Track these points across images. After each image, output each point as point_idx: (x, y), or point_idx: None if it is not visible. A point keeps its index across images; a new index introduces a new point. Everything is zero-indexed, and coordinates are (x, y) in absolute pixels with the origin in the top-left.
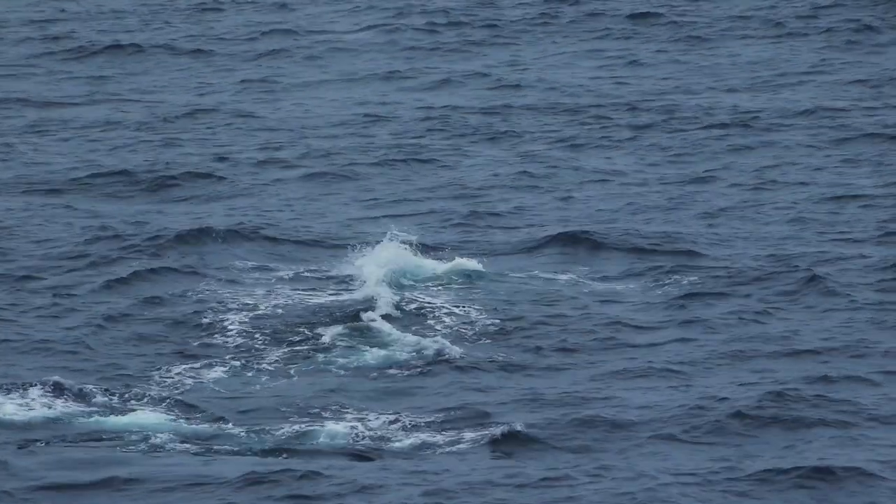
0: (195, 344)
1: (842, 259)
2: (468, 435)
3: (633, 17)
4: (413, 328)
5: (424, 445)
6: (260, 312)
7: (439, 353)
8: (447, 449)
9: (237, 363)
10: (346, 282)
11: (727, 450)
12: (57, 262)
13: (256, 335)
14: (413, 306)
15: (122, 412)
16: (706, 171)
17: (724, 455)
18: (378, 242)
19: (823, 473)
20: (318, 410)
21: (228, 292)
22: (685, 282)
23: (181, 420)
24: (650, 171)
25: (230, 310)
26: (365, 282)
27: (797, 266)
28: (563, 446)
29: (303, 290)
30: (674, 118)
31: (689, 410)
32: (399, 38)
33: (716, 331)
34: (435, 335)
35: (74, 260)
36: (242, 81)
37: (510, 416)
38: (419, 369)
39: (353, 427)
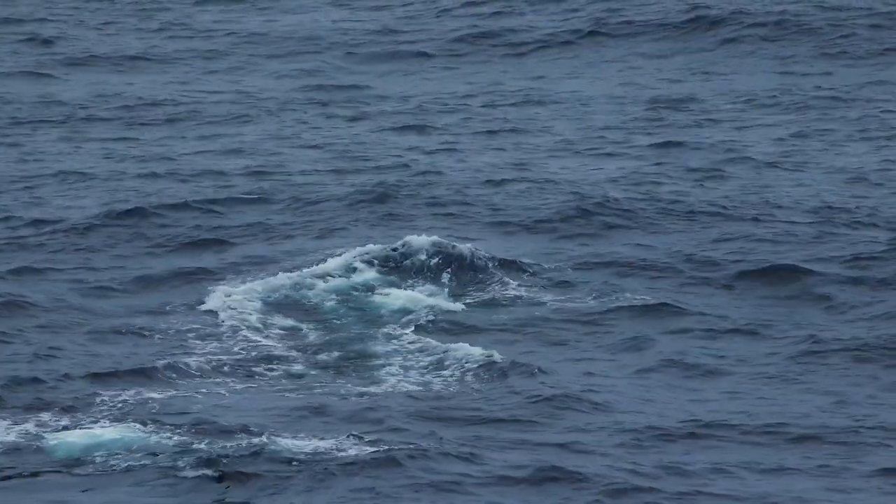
0: (154, 361)
1: None
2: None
3: None
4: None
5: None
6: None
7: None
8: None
9: (195, 382)
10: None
11: None
12: None
13: (213, 352)
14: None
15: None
16: None
17: None
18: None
19: None
20: (272, 428)
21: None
22: None
23: (137, 436)
24: None
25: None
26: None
27: None
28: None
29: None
30: None
31: None
32: None
33: None
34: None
35: None
36: None
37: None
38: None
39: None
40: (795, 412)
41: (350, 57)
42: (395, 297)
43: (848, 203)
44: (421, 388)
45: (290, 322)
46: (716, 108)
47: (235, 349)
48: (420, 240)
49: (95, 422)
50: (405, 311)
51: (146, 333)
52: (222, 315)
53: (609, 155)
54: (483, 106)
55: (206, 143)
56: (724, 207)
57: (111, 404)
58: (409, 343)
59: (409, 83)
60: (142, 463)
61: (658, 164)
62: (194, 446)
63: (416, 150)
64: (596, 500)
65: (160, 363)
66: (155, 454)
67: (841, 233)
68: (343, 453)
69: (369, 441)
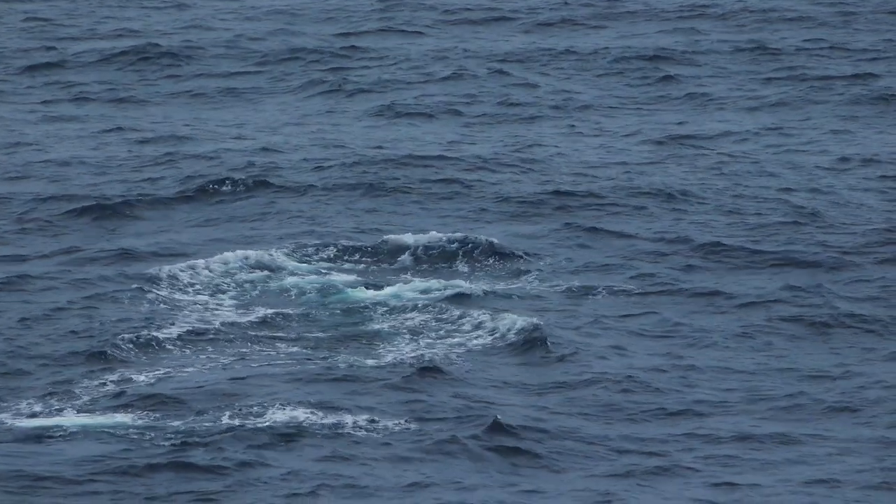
0: (132, 343)
1: None
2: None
3: None
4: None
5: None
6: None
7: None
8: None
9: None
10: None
11: None
12: None
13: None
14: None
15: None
16: None
17: None
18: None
19: None
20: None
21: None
22: None
23: (116, 415)
24: None
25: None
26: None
27: None
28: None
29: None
30: None
31: None
32: None
33: None
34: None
35: None
36: None
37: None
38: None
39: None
40: None
41: None
42: (379, 282)
43: None
44: (408, 360)
45: (268, 306)
46: None
47: (215, 325)
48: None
49: (67, 405)
50: (394, 295)
51: (118, 312)
52: (200, 291)
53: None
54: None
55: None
56: None
57: (84, 387)
58: (397, 321)
59: None
60: (113, 442)
61: None
62: (167, 422)
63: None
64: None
65: (133, 342)
66: (127, 432)
67: None
68: (323, 422)
69: (346, 410)
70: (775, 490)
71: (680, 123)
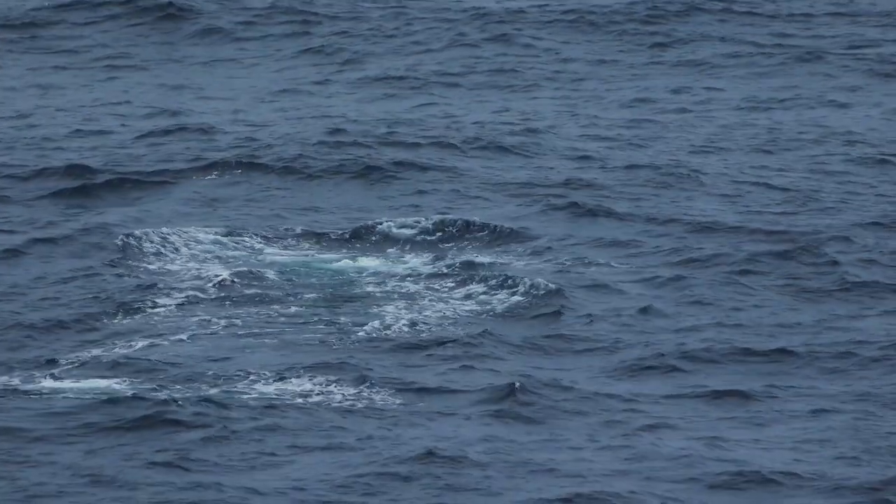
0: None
1: None
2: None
3: None
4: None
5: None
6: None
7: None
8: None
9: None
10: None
11: None
12: None
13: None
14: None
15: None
16: None
17: None
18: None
19: None
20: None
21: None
22: None
23: (96, 385)
24: None
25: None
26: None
27: None
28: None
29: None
30: None
31: None
32: None
33: None
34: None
35: None
36: None
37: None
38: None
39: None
40: None
41: None
42: (370, 259)
43: None
44: (392, 337)
45: (254, 278)
46: None
47: (206, 296)
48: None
49: (56, 374)
50: (383, 272)
51: (110, 285)
52: (191, 267)
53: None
54: None
55: None
56: None
57: (72, 356)
58: (388, 291)
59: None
60: (100, 410)
61: None
62: (151, 386)
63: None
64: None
65: (117, 312)
66: (114, 401)
67: None
68: (315, 396)
69: (335, 382)
70: (760, 445)
71: (675, 92)
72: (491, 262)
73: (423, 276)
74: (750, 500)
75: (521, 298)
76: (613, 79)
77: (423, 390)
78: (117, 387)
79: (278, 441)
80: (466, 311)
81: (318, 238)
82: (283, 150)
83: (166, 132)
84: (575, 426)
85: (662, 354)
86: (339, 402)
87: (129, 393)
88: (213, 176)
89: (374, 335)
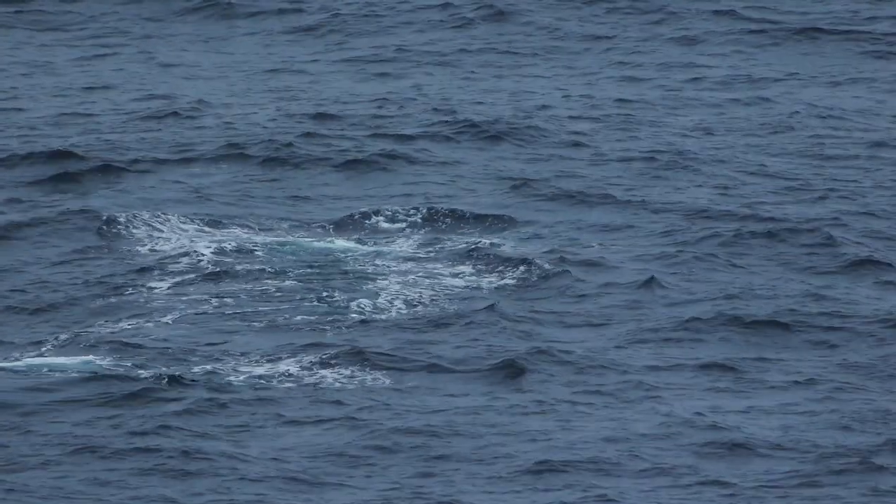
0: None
1: None
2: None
3: None
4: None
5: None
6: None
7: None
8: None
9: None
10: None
11: None
12: None
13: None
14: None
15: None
16: None
17: None
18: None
19: None
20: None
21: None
22: None
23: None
24: None
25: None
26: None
27: None
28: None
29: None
30: None
31: None
32: None
33: None
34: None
35: None
36: None
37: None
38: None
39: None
40: None
41: None
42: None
43: None
44: (380, 319)
45: (244, 263)
46: None
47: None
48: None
49: (43, 351)
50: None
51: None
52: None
53: None
54: None
55: None
56: None
57: (59, 335)
58: (380, 271)
59: None
60: (86, 386)
61: None
62: (139, 370)
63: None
64: None
65: (106, 294)
66: (100, 377)
67: None
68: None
69: (325, 360)
70: (749, 414)
71: (666, 69)
72: (481, 244)
73: (413, 258)
74: (738, 467)
75: (512, 276)
76: (607, 55)
77: (416, 365)
78: (103, 363)
79: (266, 413)
80: (458, 289)
81: (306, 224)
82: (272, 137)
83: (153, 116)
84: (567, 396)
85: (655, 328)
86: (330, 378)
87: (115, 370)
88: (200, 162)
89: (365, 315)
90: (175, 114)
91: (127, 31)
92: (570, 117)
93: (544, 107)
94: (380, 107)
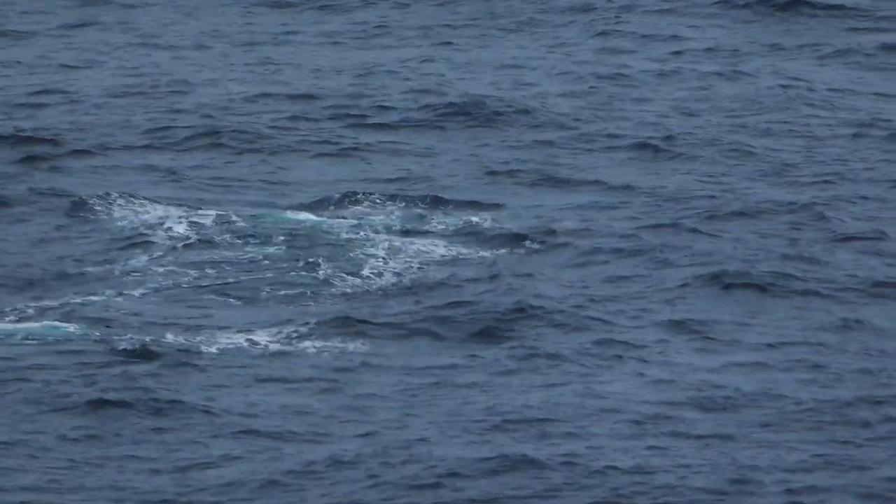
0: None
1: None
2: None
3: None
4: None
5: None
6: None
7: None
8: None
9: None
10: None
11: None
12: None
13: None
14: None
15: None
16: None
17: None
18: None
19: None
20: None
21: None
22: None
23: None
24: None
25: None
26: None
27: None
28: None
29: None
30: None
31: None
32: None
33: None
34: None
35: None
36: None
37: None
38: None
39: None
40: None
41: None
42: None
43: None
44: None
45: (224, 242)
46: None
47: (168, 260)
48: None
49: (16, 319)
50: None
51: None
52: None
53: None
54: None
55: None
56: None
57: (32, 305)
58: (360, 245)
59: None
60: (57, 352)
61: None
62: (113, 338)
63: None
64: None
65: (81, 270)
66: (71, 343)
67: None
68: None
69: (303, 330)
70: (726, 372)
71: (650, 41)
72: (465, 221)
73: (397, 232)
74: (714, 421)
75: (496, 248)
76: (591, 27)
77: (398, 331)
78: (75, 332)
79: (241, 373)
80: (442, 259)
81: (286, 204)
82: (251, 120)
83: (132, 94)
84: (548, 356)
85: (636, 292)
86: (309, 343)
87: (88, 337)
88: (176, 143)
89: (349, 284)
90: (151, 92)
91: (108, 1)
92: (555, 96)
93: (529, 85)
94: (360, 85)
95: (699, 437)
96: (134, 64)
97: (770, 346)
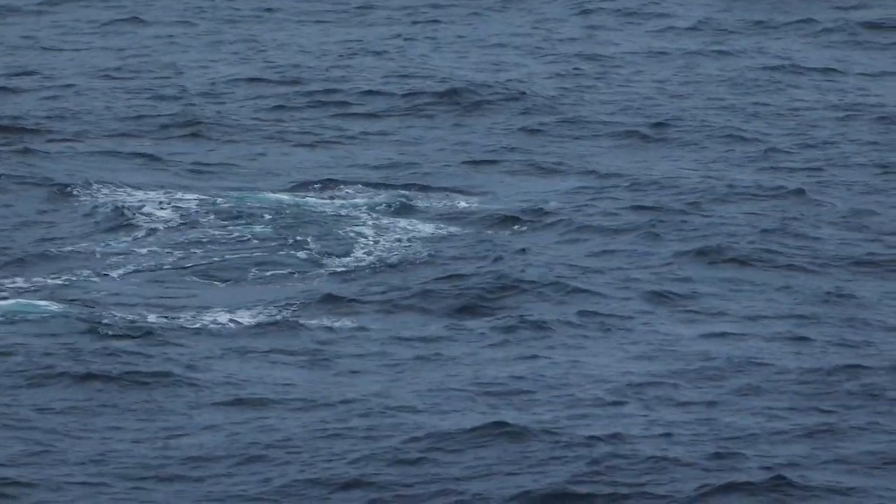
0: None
1: None
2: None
3: None
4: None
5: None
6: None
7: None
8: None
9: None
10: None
11: None
12: None
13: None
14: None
15: None
16: None
17: None
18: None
19: None
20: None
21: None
22: None
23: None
24: None
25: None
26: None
27: None
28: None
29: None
30: None
31: None
32: None
33: None
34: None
35: None
36: None
37: None
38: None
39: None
40: None
41: None
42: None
43: None
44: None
45: (208, 223)
46: None
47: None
48: None
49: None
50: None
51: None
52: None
53: None
54: None
55: None
56: None
57: (10, 283)
58: (345, 225)
59: None
60: (41, 327)
61: None
62: (93, 314)
63: None
64: None
65: (62, 252)
66: (51, 319)
67: None
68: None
69: (287, 307)
70: (708, 340)
71: (630, 17)
72: (451, 203)
73: (383, 214)
74: (695, 387)
75: (482, 226)
76: (574, 3)
77: (385, 306)
78: (57, 309)
79: (223, 347)
80: (429, 237)
81: (270, 187)
82: (234, 104)
83: (115, 77)
84: (534, 328)
85: (621, 266)
86: (295, 319)
87: (69, 314)
88: (160, 129)
89: (335, 263)
90: (133, 76)
91: None
92: (542, 78)
93: (515, 65)
94: (345, 67)
95: (682, 405)
96: (119, 44)
97: (754, 317)
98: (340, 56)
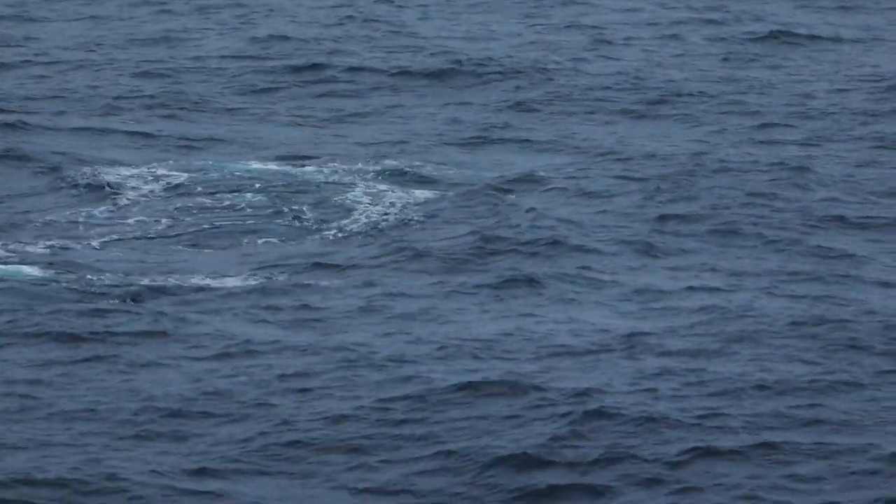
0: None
1: None
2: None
3: None
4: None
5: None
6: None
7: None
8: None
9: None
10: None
11: None
12: None
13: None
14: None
15: None
16: None
17: None
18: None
19: None
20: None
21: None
22: None
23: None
24: None
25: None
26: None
27: None
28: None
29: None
30: None
31: None
32: None
33: None
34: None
35: None
36: None
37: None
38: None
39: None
40: None
41: None
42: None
43: None
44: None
45: (199, 193)
46: None
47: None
48: None
49: None
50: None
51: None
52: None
53: None
54: None
55: None
56: None
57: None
58: (336, 194)
59: None
60: (23, 291)
61: None
62: (78, 279)
63: None
64: None
65: (50, 221)
66: (40, 285)
67: None
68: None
69: (275, 272)
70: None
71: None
72: (446, 173)
73: (370, 181)
74: (690, 342)
75: (479, 195)
76: None
77: (382, 269)
78: (42, 275)
79: (206, 303)
80: (425, 202)
81: (261, 158)
82: (221, 79)
83: (98, 52)
84: (524, 285)
85: (613, 226)
86: (286, 284)
87: (56, 280)
88: (143, 108)
89: (324, 232)
90: (120, 50)
91: None
92: (531, 53)
93: (505, 37)
94: (335, 40)
95: (670, 357)
96: (107, 13)
97: (743, 273)
98: (330, 25)
